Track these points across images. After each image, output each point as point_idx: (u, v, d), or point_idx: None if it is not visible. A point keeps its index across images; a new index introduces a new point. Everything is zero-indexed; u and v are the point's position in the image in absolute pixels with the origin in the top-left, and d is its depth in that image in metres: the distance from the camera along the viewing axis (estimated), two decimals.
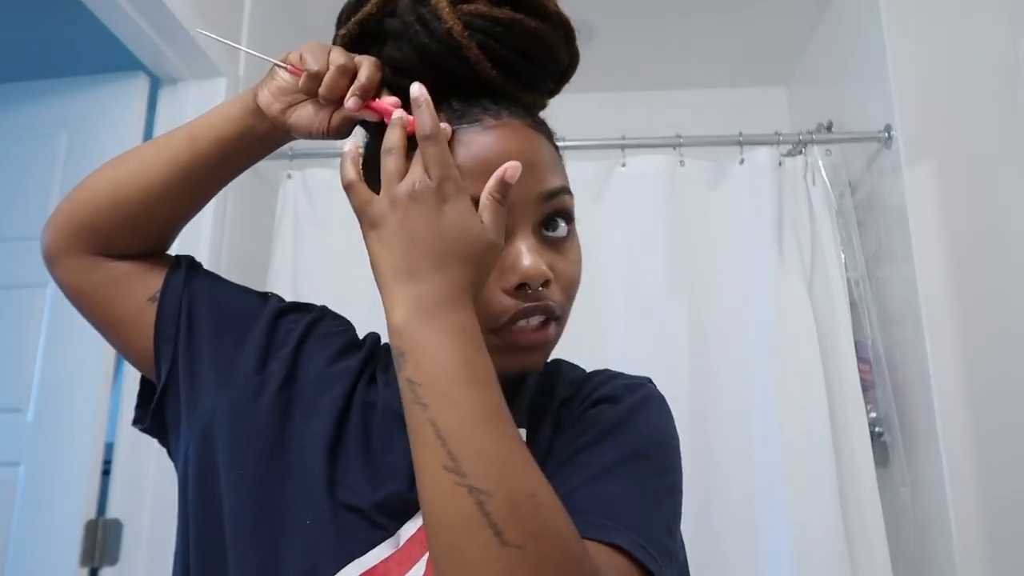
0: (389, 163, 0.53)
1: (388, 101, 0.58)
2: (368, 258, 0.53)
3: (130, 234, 0.67)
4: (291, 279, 1.72)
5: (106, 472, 1.60)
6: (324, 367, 0.65)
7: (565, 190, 0.59)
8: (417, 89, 0.53)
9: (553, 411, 0.62)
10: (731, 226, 1.71)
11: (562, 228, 0.59)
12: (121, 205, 0.66)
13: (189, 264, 0.70)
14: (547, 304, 0.56)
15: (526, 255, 0.55)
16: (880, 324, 1.71)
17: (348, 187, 0.54)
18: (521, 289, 0.55)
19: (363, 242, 0.54)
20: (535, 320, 0.56)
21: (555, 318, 0.57)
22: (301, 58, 0.60)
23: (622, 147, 1.72)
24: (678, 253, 1.69)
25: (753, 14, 2.14)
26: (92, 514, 1.54)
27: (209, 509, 0.60)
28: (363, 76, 0.58)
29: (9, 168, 1.78)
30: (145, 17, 1.52)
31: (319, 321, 0.70)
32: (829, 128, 1.97)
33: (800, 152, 1.79)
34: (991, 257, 1.38)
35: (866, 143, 1.74)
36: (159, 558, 1.55)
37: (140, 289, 0.67)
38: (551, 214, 0.58)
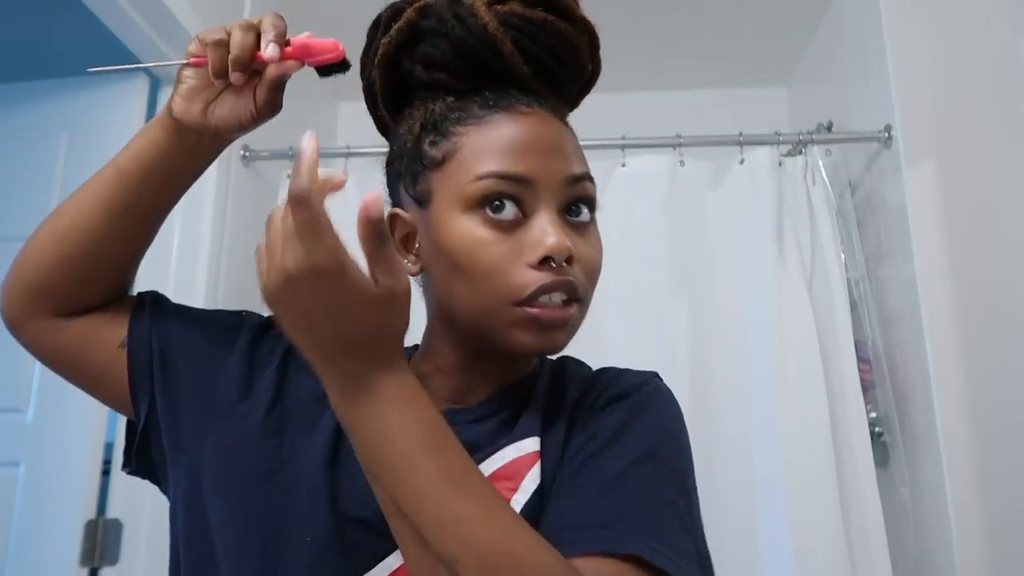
0: (268, 234, 0.46)
1: (301, 36, 0.58)
2: None
3: (85, 287, 0.64)
4: None
5: (106, 472, 1.59)
6: (316, 383, 0.63)
7: (589, 177, 0.61)
8: (306, 139, 0.44)
9: (566, 414, 0.62)
10: (731, 226, 1.71)
11: (585, 214, 0.60)
12: (68, 259, 0.63)
13: (153, 301, 0.68)
14: (570, 280, 0.56)
15: (551, 231, 0.55)
16: (880, 324, 1.71)
17: (258, 260, 0.47)
18: (545, 263, 0.55)
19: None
20: (558, 297, 0.56)
21: (577, 299, 0.58)
22: (199, 41, 0.58)
23: (622, 147, 1.72)
24: (678, 253, 1.69)
25: (753, 14, 2.14)
26: (92, 514, 1.54)
27: (200, 544, 0.59)
28: (268, 24, 0.57)
29: (9, 168, 1.78)
30: (145, 17, 1.52)
31: None
32: (829, 128, 1.96)
33: (800, 152, 1.79)
34: (991, 257, 1.38)
35: (866, 143, 1.74)
36: (159, 558, 1.53)
37: (108, 339, 0.65)
38: (576, 199, 0.59)
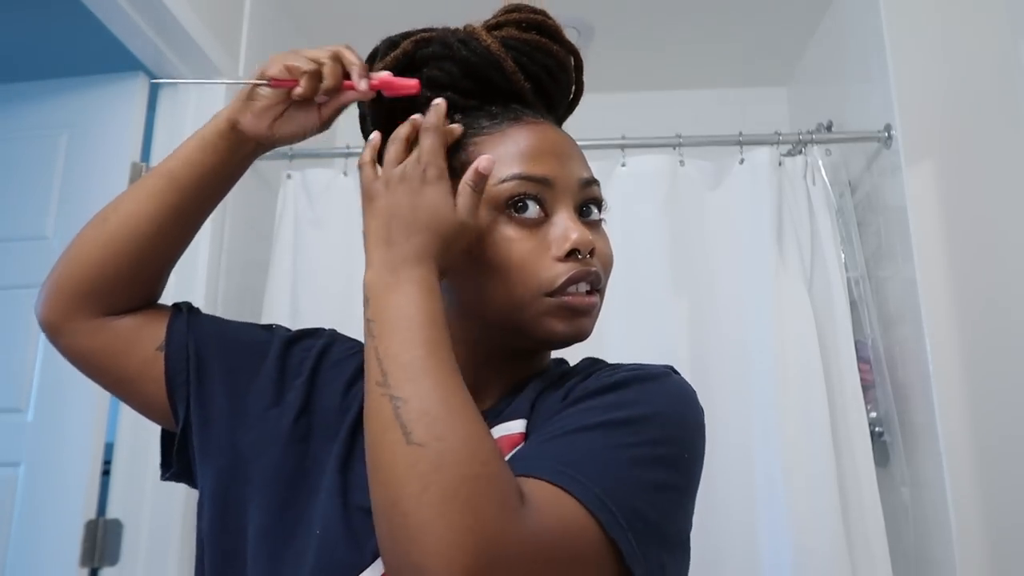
0: (391, 150, 0.60)
1: (381, 75, 0.65)
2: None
3: (127, 288, 0.68)
4: (291, 279, 1.71)
5: (106, 472, 1.60)
6: (340, 397, 0.67)
7: (597, 181, 0.67)
8: (440, 100, 0.61)
9: (560, 392, 0.62)
10: (731, 226, 1.71)
11: (595, 214, 0.66)
12: (115, 262, 0.67)
13: (189, 309, 0.72)
14: (595, 270, 0.62)
15: (574, 226, 0.61)
16: (880, 324, 1.71)
17: (360, 166, 0.61)
18: (572, 255, 0.60)
19: (362, 236, 0.59)
20: (583, 286, 0.61)
21: (598, 289, 0.63)
22: (287, 68, 0.63)
23: (622, 147, 1.72)
24: (678, 253, 1.69)
25: (753, 14, 2.14)
26: (92, 514, 1.54)
27: (227, 545, 0.61)
28: (354, 59, 0.65)
29: (9, 168, 1.78)
30: (145, 17, 1.52)
31: (330, 348, 0.72)
32: (829, 128, 1.96)
33: (800, 152, 1.79)
34: (991, 257, 1.38)
35: (866, 143, 1.74)
36: (159, 558, 1.55)
37: (146, 341, 0.68)
38: (588, 200, 0.65)
